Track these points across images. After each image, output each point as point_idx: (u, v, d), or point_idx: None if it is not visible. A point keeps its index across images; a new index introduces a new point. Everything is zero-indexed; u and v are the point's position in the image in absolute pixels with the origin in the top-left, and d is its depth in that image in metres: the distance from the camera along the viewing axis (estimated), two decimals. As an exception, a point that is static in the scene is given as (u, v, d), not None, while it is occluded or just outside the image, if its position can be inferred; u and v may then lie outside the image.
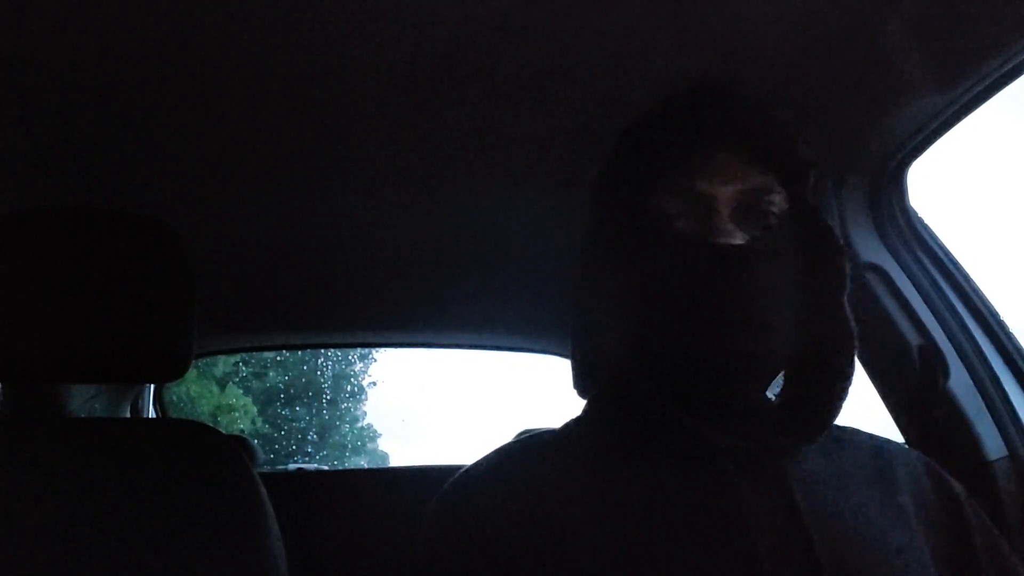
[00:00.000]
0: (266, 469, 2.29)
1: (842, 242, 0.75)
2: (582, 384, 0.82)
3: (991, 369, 1.08)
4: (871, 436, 0.80)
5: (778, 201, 0.73)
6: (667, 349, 0.71)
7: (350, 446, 13.38)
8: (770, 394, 0.77)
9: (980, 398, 1.08)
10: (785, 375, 0.76)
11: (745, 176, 0.71)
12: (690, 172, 0.72)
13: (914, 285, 1.15)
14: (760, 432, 0.71)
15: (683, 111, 0.76)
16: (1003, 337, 1.10)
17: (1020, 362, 1.09)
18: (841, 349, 0.73)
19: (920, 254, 1.15)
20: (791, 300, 0.72)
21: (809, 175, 0.75)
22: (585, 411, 0.81)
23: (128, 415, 2.00)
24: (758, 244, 0.71)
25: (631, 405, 0.73)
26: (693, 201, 0.72)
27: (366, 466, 9.97)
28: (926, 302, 1.14)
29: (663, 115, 0.77)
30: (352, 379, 13.56)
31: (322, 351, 11.17)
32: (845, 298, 0.74)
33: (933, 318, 1.13)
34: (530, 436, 0.80)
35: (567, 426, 0.80)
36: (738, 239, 0.70)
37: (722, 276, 0.69)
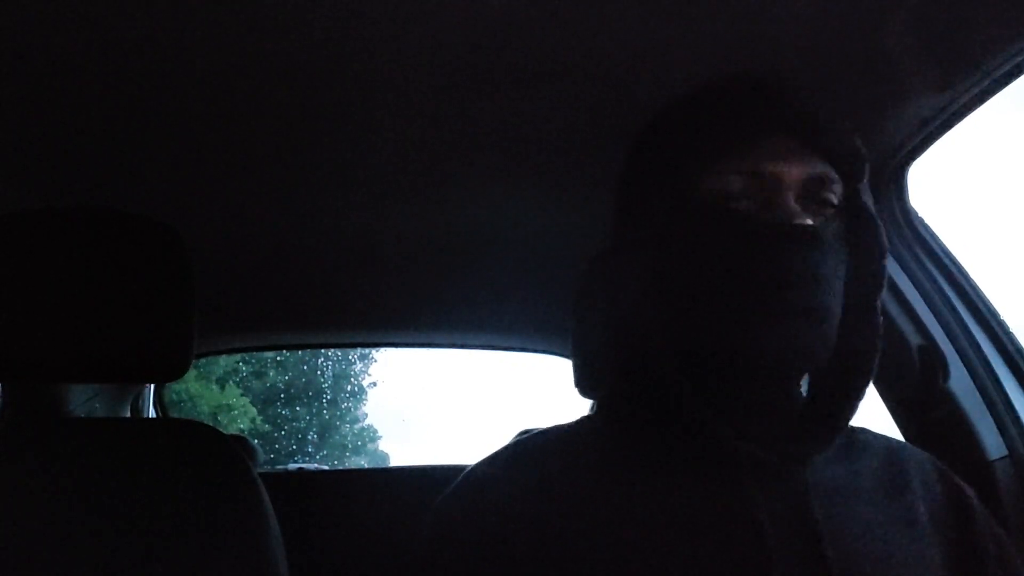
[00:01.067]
0: (266, 469, 2.29)
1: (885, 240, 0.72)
2: (584, 383, 0.82)
3: (991, 369, 1.08)
4: (883, 438, 0.79)
5: (838, 192, 0.71)
6: (718, 338, 0.68)
7: (350, 446, 13.40)
8: (803, 391, 0.75)
9: (980, 398, 1.08)
10: (811, 376, 0.73)
11: (809, 161, 0.69)
12: (753, 153, 0.68)
13: (914, 285, 1.15)
14: (778, 438, 0.69)
15: (740, 94, 0.73)
16: (1003, 337, 1.10)
17: (1020, 362, 1.09)
18: (867, 353, 0.71)
19: (920, 254, 1.15)
20: (841, 295, 0.69)
21: (865, 171, 0.72)
22: (597, 409, 0.79)
23: (128, 415, 2.00)
24: (824, 229, 0.68)
25: (652, 403, 0.71)
26: (757, 182, 0.68)
27: (366, 466, 9.98)
28: (926, 302, 1.14)
29: (715, 98, 0.74)
30: (352, 379, 13.60)
31: (322, 351, 11.21)
32: (879, 302, 0.72)
33: (933, 318, 1.13)
34: (538, 433, 0.77)
35: (578, 424, 0.78)
36: (807, 220, 0.67)
37: (791, 257, 0.66)
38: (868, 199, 0.74)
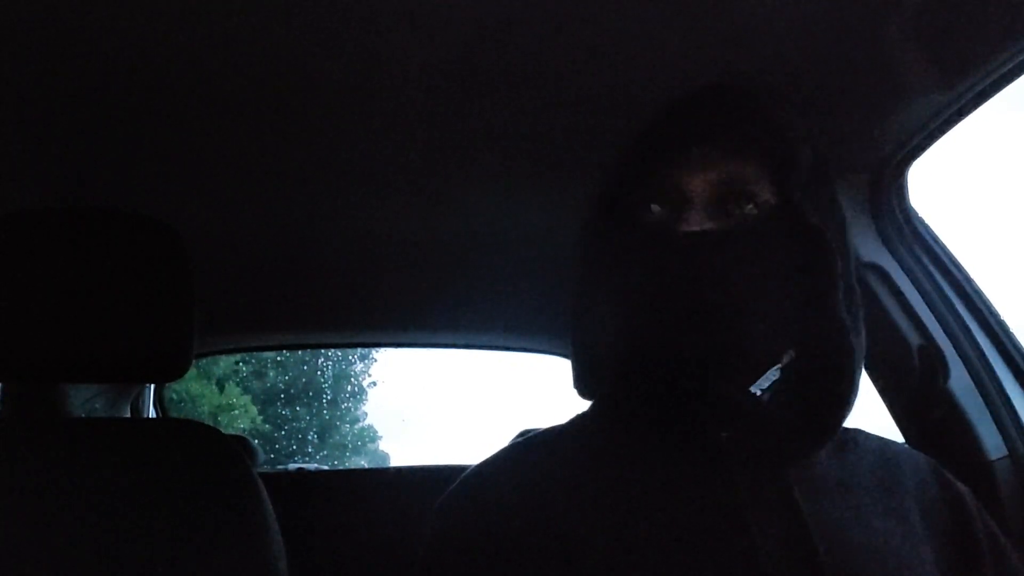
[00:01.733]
0: (266, 469, 2.29)
1: (833, 242, 0.72)
2: (582, 384, 0.82)
3: (991, 369, 1.08)
4: (877, 439, 0.79)
5: (761, 192, 0.72)
6: (649, 342, 0.71)
7: (350, 446, 13.40)
8: (756, 389, 0.74)
9: (980, 398, 1.08)
10: (785, 377, 0.74)
11: (722, 166, 0.71)
12: (667, 165, 0.72)
13: (914, 285, 1.15)
14: (765, 434, 0.70)
15: (668, 109, 0.77)
16: (1003, 337, 1.10)
17: (1020, 362, 1.09)
18: (838, 352, 0.71)
19: (920, 254, 1.15)
20: (774, 294, 0.70)
21: (796, 168, 0.73)
22: (592, 408, 0.81)
23: (128, 415, 2.00)
24: (731, 232, 0.70)
25: (631, 402, 0.73)
26: (667, 193, 0.72)
27: (366, 466, 9.98)
28: (926, 302, 1.14)
29: (655, 116, 0.78)
30: (352, 379, 13.60)
31: (322, 351, 11.21)
32: (839, 300, 0.72)
33: (933, 318, 1.13)
34: (537, 434, 0.79)
35: (574, 422, 0.80)
36: (706, 225, 0.70)
37: (686, 262, 0.69)
38: (823, 202, 0.74)
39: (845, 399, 0.71)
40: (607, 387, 0.78)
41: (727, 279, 0.68)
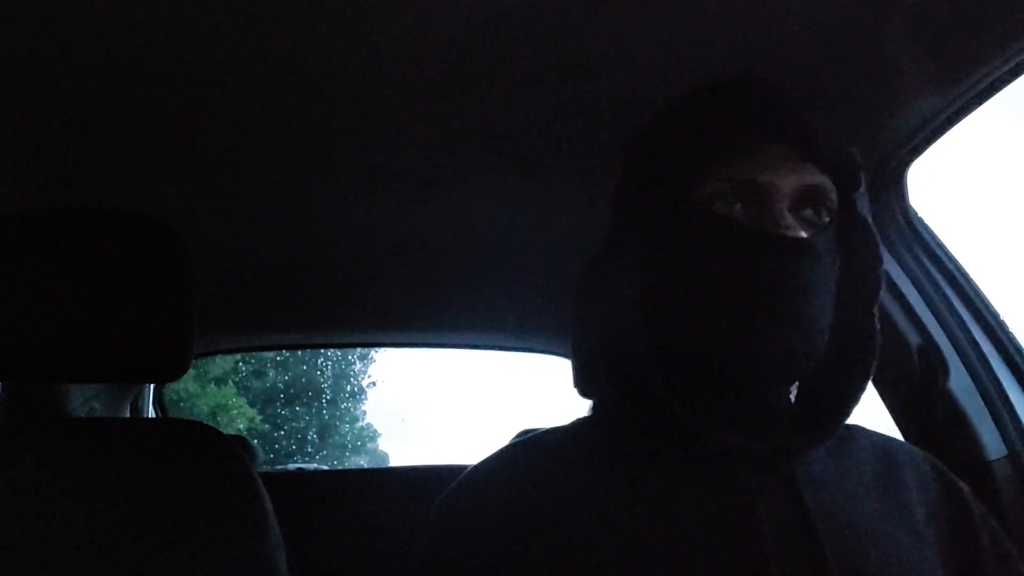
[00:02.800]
0: (266, 469, 2.29)
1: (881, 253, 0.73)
2: (583, 384, 0.82)
3: (991, 369, 1.08)
4: (875, 434, 0.80)
5: (833, 201, 0.71)
6: (705, 343, 0.68)
7: (350, 446, 13.40)
8: (792, 392, 0.75)
9: (980, 398, 1.07)
10: (802, 379, 0.74)
11: (803, 171, 0.69)
12: (747, 161, 0.68)
13: (914, 285, 1.15)
14: (772, 433, 0.70)
15: (735, 100, 0.73)
16: (1003, 337, 1.10)
17: (1020, 362, 1.09)
18: (864, 358, 0.72)
19: (920, 254, 1.15)
20: (832, 303, 0.70)
21: (861, 180, 0.73)
22: (595, 410, 0.80)
23: (128, 415, 2.00)
24: (816, 240, 0.68)
25: (644, 404, 0.71)
26: (750, 191, 0.68)
27: (366, 466, 9.98)
28: (926, 302, 1.14)
29: (710, 103, 0.74)
30: (352, 379, 13.60)
31: (322, 351, 11.21)
32: (875, 308, 0.73)
33: (933, 318, 1.13)
34: (539, 434, 0.78)
35: (576, 425, 0.79)
36: (799, 232, 0.68)
37: (781, 268, 0.66)
38: (864, 208, 0.74)
39: (859, 398, 0.72)
40: (622, 389, 0.75)
41: (813, 288, 0.67)
